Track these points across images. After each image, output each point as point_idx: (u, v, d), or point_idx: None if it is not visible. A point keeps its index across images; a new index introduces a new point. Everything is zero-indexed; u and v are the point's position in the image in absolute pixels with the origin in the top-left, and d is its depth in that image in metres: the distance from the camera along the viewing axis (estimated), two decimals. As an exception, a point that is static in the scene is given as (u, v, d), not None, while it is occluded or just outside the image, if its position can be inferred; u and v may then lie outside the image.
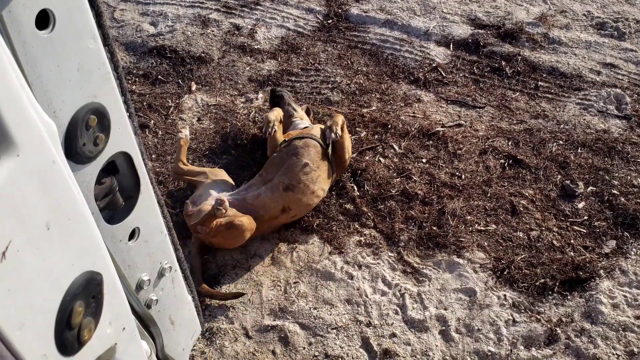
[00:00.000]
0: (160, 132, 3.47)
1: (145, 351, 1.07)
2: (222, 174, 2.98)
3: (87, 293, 0.69)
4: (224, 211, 2.55)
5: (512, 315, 2.54)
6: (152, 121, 3.55)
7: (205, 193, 2.81)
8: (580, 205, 3.07)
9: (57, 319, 0.63)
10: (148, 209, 1.08)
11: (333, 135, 2.93)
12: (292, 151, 2.89)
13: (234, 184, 2.97)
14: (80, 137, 0.83)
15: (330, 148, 2.96)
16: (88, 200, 0.75)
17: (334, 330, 2.47)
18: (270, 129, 3.02)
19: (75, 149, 0.83)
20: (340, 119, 3.02)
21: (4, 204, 0.53)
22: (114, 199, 0.98)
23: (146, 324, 1.13)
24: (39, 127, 0.57)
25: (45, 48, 0.75)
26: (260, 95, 3.80)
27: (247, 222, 2.65)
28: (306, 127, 3.16)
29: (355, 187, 3.11)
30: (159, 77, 3.93)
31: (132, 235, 1.07)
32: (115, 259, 0.91)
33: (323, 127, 3.05)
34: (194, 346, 1.53)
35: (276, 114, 3.10)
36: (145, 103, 3.68)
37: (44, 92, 0.77)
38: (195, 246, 2.72)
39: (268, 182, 2.83)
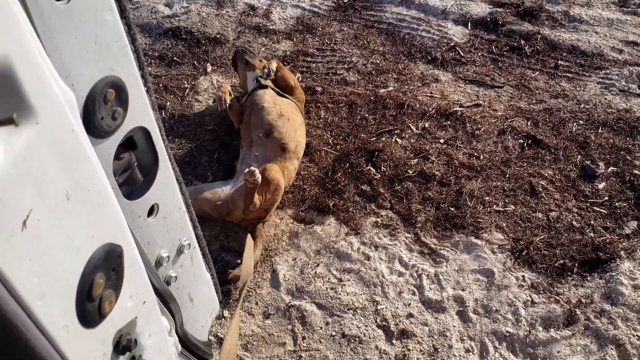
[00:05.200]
0: (177, 114, 3.47)
1: (165, 327, 1.07)
2: (203, 185, 2.93)
3: (107, 265, 0.69)
4: (258, 178, 2.53)
5: (530, 296, 2.52)
6: (169, 103, 3.55)
7: (216, 192, 2.81)
8: (601, 185, 3.02)
9: (78, 290, 0.63)
10: (167, 185, 1.08)
11: (266, 70, 3.26)
12: (249, 109, 3.06)
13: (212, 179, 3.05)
14: (99, 110, 0.83)
15: (276, 85, 3.26)
16: (107, 175, 0.75)
17: (351, 311, 2.47)
18: (224, 105, 3.14)
19: (93, 123, 0.83)
20: (274, 61, 3.33)
21: (23, 172, 0.52)
22: (133, 175, 0.98)
23: (165, 300, 1.13)
24: (58, 95, 0.57)
25: (63, 19, 0.74)
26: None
27: (274, 167, 2.73)
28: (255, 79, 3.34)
29: (372, 168, 3.09)
30: (175, 58, 3.92)
31: (151, 211, 1.06)
32: (134, 235, 0.91)
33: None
34: (212, 324, 1.53)
35: (223, 88, 3.21)
36: (161, 85, 3.67)
37: (62, 65, 0.76)
38: (251, 228, 2.74)
39: (251, 143, 2.94)
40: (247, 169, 2.53)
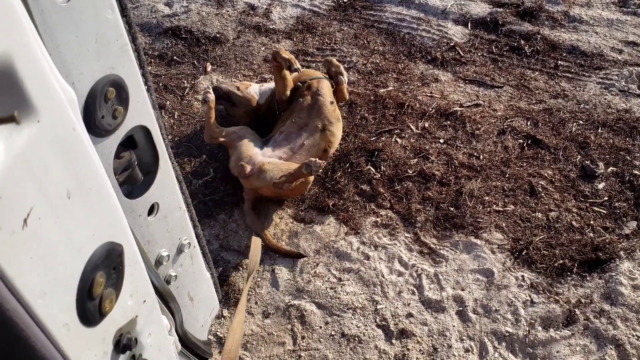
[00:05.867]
0: (176, 113, 3.47)
1: (165, 326, 1.07)
2: (248, 131, 3.03)
3: (108, 264, 0.69)
4: (319, 171, 2.61)
5: (530, 296, 2.52)
6: (168, 102, 3.54)
7: (250, 150, 2.87)
8: (600, 185, 3.02)
9: (79, 289, 0.63)
10: (167, 185, 1.08)
11: (345, 78, 3.22)
12: (315, 92, 3.05)
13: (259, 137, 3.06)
14: (99, 109, 0.83)
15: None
16: (107, 174, 0.75)
17: (350, 310, 2.47)
18: (295, 65, 2.96)
19: (94, 121, 0.83)
20: (336, 61, 3.28)
21: (24, 170, 0.52)
22: (133, 174, 0.98)
23: (165, 299, 1.13)
24: (59, 93, 0.57)
25: (63, 18, 0.74)
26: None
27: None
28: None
29: (371, 168, 3.09)
30: (175, 57, 3.92)
31: (151, 210, 1.06)
32: (134, 234, 0.91)
33: (314, 71, 3.29)
34: (211, 323, 1.53)
35: (285, 52, 3.04)
36: (161, 84, 3.67)
37: (62, 63, 0.76)
38: (248, 203, 2.82)
39: (305, 127, 2.95)
40: (316, 160, 2.57)
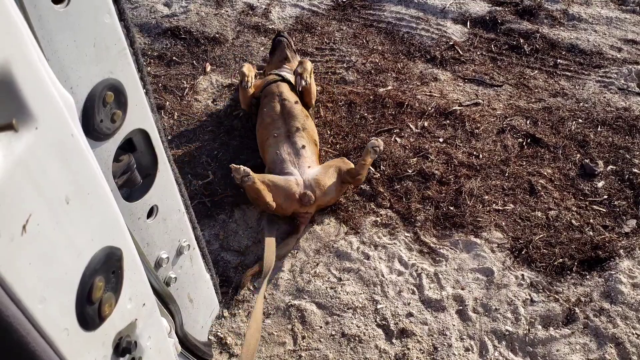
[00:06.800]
0: (176, 114, 3.48)
1: (165, 328, 1.08)
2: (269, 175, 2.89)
3: (107, 268, 0.69)
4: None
5: (530, 295, 2.53)
6: (168, 102, 3.55)
7: (288, 181, 2.77)
8: (600, 184, 3.02)
9: (78, 293, 0.63)
10: (166, 187, 1.08)
11: (303, 82, 3.11)
12: (278, 98, 3.06)
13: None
14: (98, 113, 0.83)
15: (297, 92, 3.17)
16: (106, 177, 0.75)
17: (350, 310, 2.47)
18: (246, 82, 3.13)
19: (92, 125, 0.83)
20: (308, 65, 3.19)
21: (23, 177, 0.52)
22: (132, 177, 0.98)
23: (165, 301, 1.13)
24: (57, 100, 0.57)
25: (61, 23, 0.74)
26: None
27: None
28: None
29: (371, 167, 3.09)
30: (174, 58, 3.92)
31: (151, 213, 1.07)
32: (134, 236, 0.91)
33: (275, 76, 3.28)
34: (211, 325, 1.54)
35: (248, 67, 3.20)
36: (160, 84, 3.68)
37: (61, 68, 0.77)
38: (303, 227, 2.79)
39: (289, 133, 2.96)
40: (375, 139, 2.82)
